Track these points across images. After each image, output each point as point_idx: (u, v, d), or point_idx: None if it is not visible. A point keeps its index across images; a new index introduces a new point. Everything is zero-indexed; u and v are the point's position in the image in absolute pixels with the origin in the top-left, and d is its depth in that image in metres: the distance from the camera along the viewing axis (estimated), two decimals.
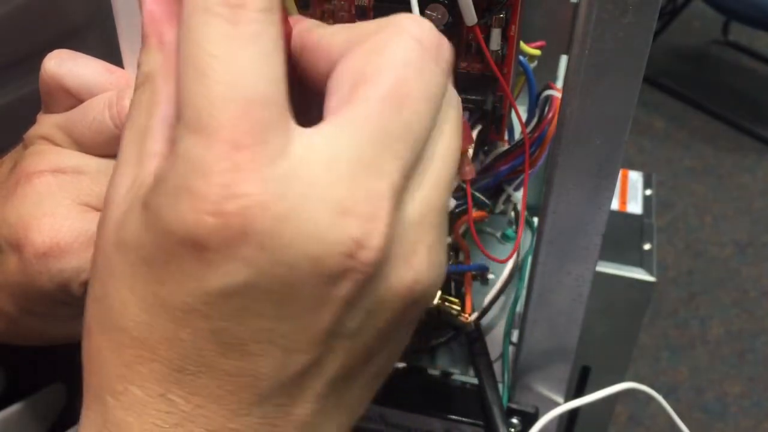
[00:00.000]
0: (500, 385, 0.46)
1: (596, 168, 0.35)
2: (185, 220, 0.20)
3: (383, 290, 0.22)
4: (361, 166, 0.21)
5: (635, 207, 0.70)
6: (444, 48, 0.23)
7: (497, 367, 0.46)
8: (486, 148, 0.45)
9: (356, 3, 0.38)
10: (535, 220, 0.48)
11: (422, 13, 0.36)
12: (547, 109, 0.43)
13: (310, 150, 0.21)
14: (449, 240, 0.44)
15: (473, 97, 0.39)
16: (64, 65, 0.33)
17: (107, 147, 0.32)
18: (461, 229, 0.44)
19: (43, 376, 0.43)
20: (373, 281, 0.21)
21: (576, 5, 0.32)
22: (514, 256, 0.46)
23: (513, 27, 0.38)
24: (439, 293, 0.44)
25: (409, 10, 0.34)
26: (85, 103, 0.33)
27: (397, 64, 0.22)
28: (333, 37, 0.24)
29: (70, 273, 0.31)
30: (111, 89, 0.33)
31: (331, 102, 0.22)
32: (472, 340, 0.46)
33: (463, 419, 0.45)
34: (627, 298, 0.63)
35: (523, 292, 0.46)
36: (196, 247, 0.20)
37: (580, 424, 0.71)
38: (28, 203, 0.31)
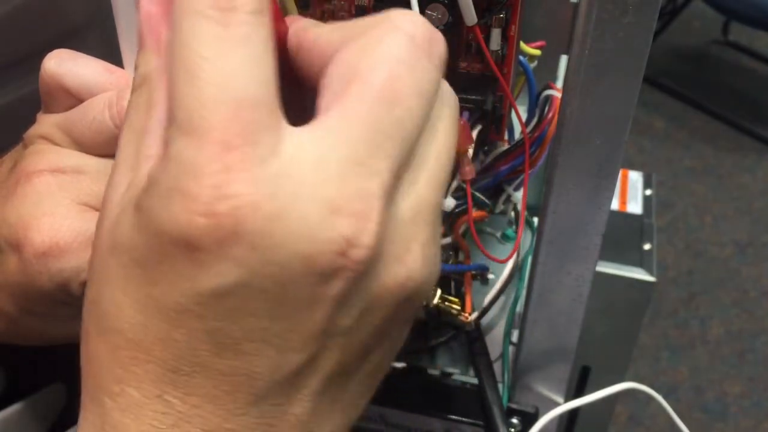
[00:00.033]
0: (500, 385, 0.46)
1: (596, 168, 0.35)
2: (177, 221, 0.20)
3: (376, 288, 0.22)
4: (352, 164, 0.21)
5: (635, 207, 0.70)
6: (437, 44, 0.23)
7: (497, 367, 0.46)
8: (486, 148, 0.45)
9: (356, 3, 0.38)
10: (535, 220, 0.48)
11: (422, 13, 0.36)
12: (547, 108, 0.43)
13: (300, 149, 0.21)
14: (449, 240, 0.44)
15: (473, 97, 0.39)
16: (64, 65, 0.33)
17: (107, 147, 0.32)
18: (461, 229, 0.44)
19: (43, 376, 0.43)
20: (365, 279, 0.21)
21: (576, 5, 0.32)
22: (514, 256, 0.46)
23: (513, 27, 0.38)
24: (438, 293, 0.44)
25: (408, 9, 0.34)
26: (84, 103, 0.33)
27: (388, 61, 0.22)
28: (328, 36, 0.24)
29: (70, 273, 0.31)
30: (111, 89, 0.33)
31: (323, 100, 0.22)
32: (472, 340, 0.46)
33: (463, 419, 0.45)
34: (627, 298, 0.63)
35: (523, 292, 0.46)
36: (189, 248, 0.20)
37: (580, 424, 0.71)
38: (28, 203, 0.31)
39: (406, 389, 0.47)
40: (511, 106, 0.42)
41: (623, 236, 0.67)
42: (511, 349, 0.46)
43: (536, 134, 0.43)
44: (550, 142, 0.43)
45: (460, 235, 0.44)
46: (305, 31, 0.25)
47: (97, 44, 0.41)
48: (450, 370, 0.48)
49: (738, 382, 1.65)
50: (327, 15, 0.39)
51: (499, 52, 0.38)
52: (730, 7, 2.15)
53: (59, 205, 0.31)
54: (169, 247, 0.20)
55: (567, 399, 0.45)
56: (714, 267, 1.87)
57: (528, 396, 0.45)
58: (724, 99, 2.32)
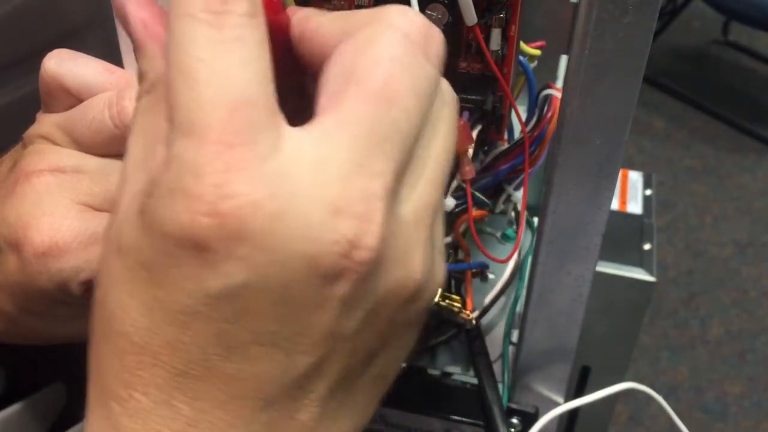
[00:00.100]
0: (500, 385, 0.46)
1: (596, 168, 0.35)
2: (181, 222, 0.20)
3: (381, 290, 0.22)
4: (353, 165, 0.21)
5: (635, 207, 0.70)
6: (434, 41, 0.23)
7: (497, 367, 0.46)
8: (486, 148, 0.45)
9: (356, 3, 0.38)
10: (535, 220, 0.48)
11: (422, 12, 0.36)
12: (546, 108, 0.43)
13: (299, 149, 0.21)
14: (449, 239, 0.44)
15: (473, 97, 0.39)
16: (64, 65, 0.33)
17: (107, 146, 0.32)
18: (461, 228, 0.44)
19: (43, 376, 0.43)
20: (369, 281, 0.21)
21: (576, 5, 0.32)
22: (515, 256, 0.46)
23: (513, 27, 0.38)
24: (439, 291, 0.44)
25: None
26: (84, 103, 0.33)
27: (384, 61, 0.22)
28: (329, 26, 0.24)
29: (69, 272, 0.31)
30: (111, 89, 0.33)
31: (321, 99, 0.22)
32: (472, 339, 0.46)
33: (463, 419, 0.45)
34: (627, 298, 0.63)
35: (523, 292, 0.46)
36: (196, 248, 0.20)
37: (580, 424, 0.71)
38: (28, 203, 0.31)
39: (406, 389, 0.46)
40: (511, 106, 0.42)
41: (623, 236, 0.67)
42: (511, 349, 0.47)
43: (536, 133, 0.43)
44: (550, 141, 0.43)
45: (461, 234, 0.44)
46: (307, 20, 0.25)
47: (97, 44, 0.41)
48: (450, 370, 0.48)
49: (738, 382, 1.65)
50: None
51: (499, 52, 0.38)
52: (730, 7, 2.15)
53: (59, 205, 0.31)
54: (174, 248, 0.20)
55: (567, 399, 0.45)
56: (714, 267, 1.87)
57: (528, 396, 0.45)
58: (724, 99, 2.32)
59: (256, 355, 0.21)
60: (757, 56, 2.44)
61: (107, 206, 0.32)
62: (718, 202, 2.04)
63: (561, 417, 0.45)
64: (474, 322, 0.45)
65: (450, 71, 0.40)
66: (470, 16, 0.36)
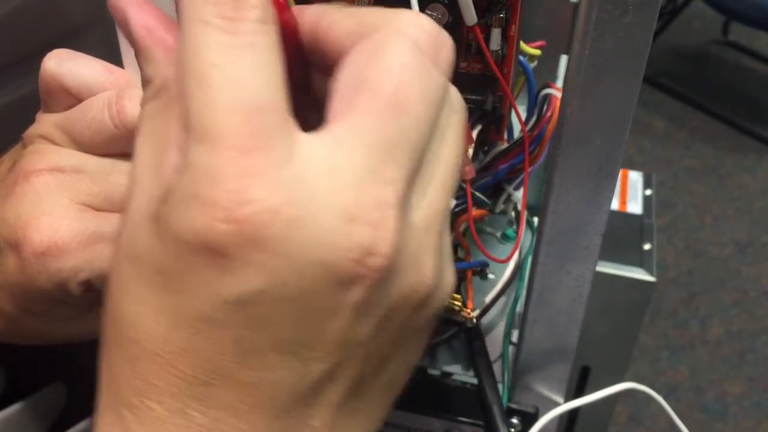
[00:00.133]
0: (500, 385, 0.46)
1: (596, 168, 0.35)
2: (197, 228, 0.20)
3: (394, 296, 0.22)
4: (366, 173, 0.21)
5: (635, 207, 0.70)
6: (443, 48, 0.23)
7: (497, 367, 0.46)
8: (486, 148, 0.45)
9: (356, 3, 0.38)
10: (535, 220, 0.48)
11: (422, 12, 0.36)
12: (545, 107, 0.43)
13: (313, 156, 0.21)
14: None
15: (473, 97, 0.39)
16: (64, 65, 0.33)
17: (106, 146, 0.32)
18: (461, 228, 0.44)
19: (43, 376, 0.43)
20: (382, 287, 0.21)
21: (576, 5, 0.32)
22: (515, 255, 0.46)
23: (513, 27, 0.38)
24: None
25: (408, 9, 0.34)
26: (84, 102, 0.33)
27: (395, 69, 0.22)
28: (342, 24, 0.24)
29: (68, 272, 0.31)
30: (110, 89, 0.33)
31: (332, 105, 0.22)
32: (472, 338, 0.46)
33: (463, 419, 0.45)
34: (627, 298, 0.63)
35: (523, 292, 0.46)
36: (213, 254, 0.20)
37: (580, 424, 0.71)
38: (27, 202, 0.31)
39: (406, 389, 0.46)
40: (511, 106, 0.42)
41: (623, 236, 0.67)
42: (511, 349, 0.46)
43: (535, 133, 0.43)
44: (549, 140, 0.43)
45: (461, 233, 0.44)
46: (319, 18, 0.25)
47: (97, 44, 0.41)
48: (450, 369, 0.48)
49: (738, 382, 1.65)
50: None
51: (499, 52, 0.38)
52: (730, 7, 2.15)
53: (58, 205, 0.31)
54: (190, 254, 0.20)
55: (567, 399, 0.45)
56: (714, 267, 1.87)
57: (528, 396, 0.45)
58: (724, 99, 2.32)
59: (272, 362, 0.21)
60: (757, 56, 2.44)
61: (107, 206, 0.32)
62: (718, 202, 2.04)
63: (561, 417, 0.45)
64: (474, 320, 0.45)
65: None
66: (470, 16, 0.36)
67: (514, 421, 0.45)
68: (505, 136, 0.45)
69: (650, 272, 0.63)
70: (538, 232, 0.39)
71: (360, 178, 0.21)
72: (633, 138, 2.14)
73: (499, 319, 0.48)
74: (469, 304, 0.45)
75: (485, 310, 0.46)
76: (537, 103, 0.43)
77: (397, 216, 0.21)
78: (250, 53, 0.21)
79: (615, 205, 0.70)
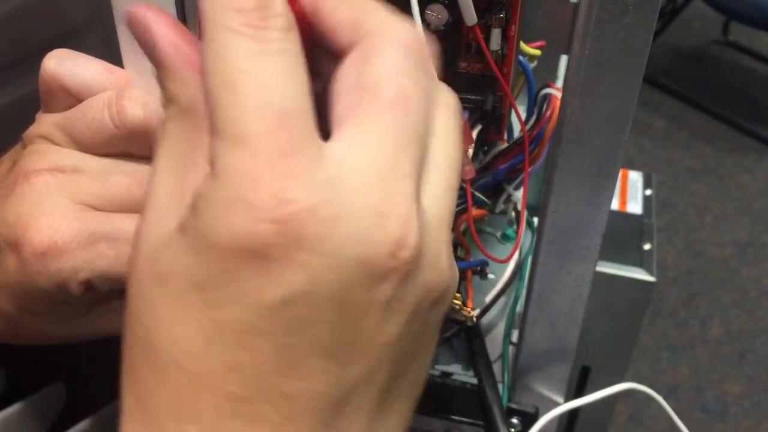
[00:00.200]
0: (500, 385, 0.46)
1: (596, 168, 0.35)
2: (238, 232, 0.20)
3: (418, 291, 0.22)
4: (387, 170, 0.21)
5: (635, 207, 0.70)
6: (425, 51, 0.24)
7: (497, 367, 0.46)
8: (486, 148, 0.45)
9: None
10: (535, 220, 0.48)
11: (422, 12, 0.36)
12: (545, 107, 0.43)
13: (340, 157, 0.21)
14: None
15: (473, 97, 0.39)
16: (64, 65, 0.33)
17: (106, 146, 0.32)
18: (461, 227, 0.44)
19: (43, 376, 0.43)
20: (409, 282, 0.22)
21: (576, 5, 0.32)
22: (516, 255, 0.46)
23: (513, 27, 0.38)
24: None
25: (409, 9, 0.34)
26: (84, 102, 0.33)
27: (394, 72, 0.23)
28: (342, 14, 0.24)
29: (68, 272, 0.31)
30: (110, 89, 0.33)
31: (337, 108, 0.23)
32: (472, 338, 0.46)
33: (463, 419, 0.45)
34: (627, 298, 0.63)
35: (523, 292, 0.46)
36: (255, 257, 0.20)
37: (580, 424, 0.71)
38: (27, 202, 0.31)
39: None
40: (511, 105, 0.42)
41: (623, 236, 0.67)
42: (511, 349, 0.46)
43: (535, 132, 0.43)
44: (549, 140, 0.43)
45: (461, 233, 0.44)
46: (321, 2, 0.25)
47: (97, 44, 0.41)
48: (450, 369, 0.48)
49: (738, 382, 1.65)
50: None
51: (499, 52, 0.38)
52: (730, 7, 2.16)
53: (58, 205, 0.31)
54: (231, 260, 0.20)
55: (567, 399, 0.45)
56: (714, 267, 1.87)
57: (528, 396, 0.45)
58: (724, 99, 2.32)
59: (311, 368, 0.21)
60: (757, 56, 2.44)
61: (107, 206, 0.32)
62: (718, 202, 2.04)
63: (561, 417, 0.45)
64: (474, 319, 0.45)
65: (450, 71, 0.40)
66: (470, 16, 0.36)
67: (514, 421, 0.45)
68: (505, 136, 0.45)
69: (650, 272, 0.63)
70: (538, 232, 0.39)
71: (383, 174, 0.21)
72: (633, 138, 2.14)
73: (499, 319, 0.48)
74: (469, 304, 0.45)
75: (485, 310, 0.46)
76: (537, 103, 0.43)
77: (417, 209, 0.22)
78: (278, 60, 0.21)
79: (615, 205, 0.70)
